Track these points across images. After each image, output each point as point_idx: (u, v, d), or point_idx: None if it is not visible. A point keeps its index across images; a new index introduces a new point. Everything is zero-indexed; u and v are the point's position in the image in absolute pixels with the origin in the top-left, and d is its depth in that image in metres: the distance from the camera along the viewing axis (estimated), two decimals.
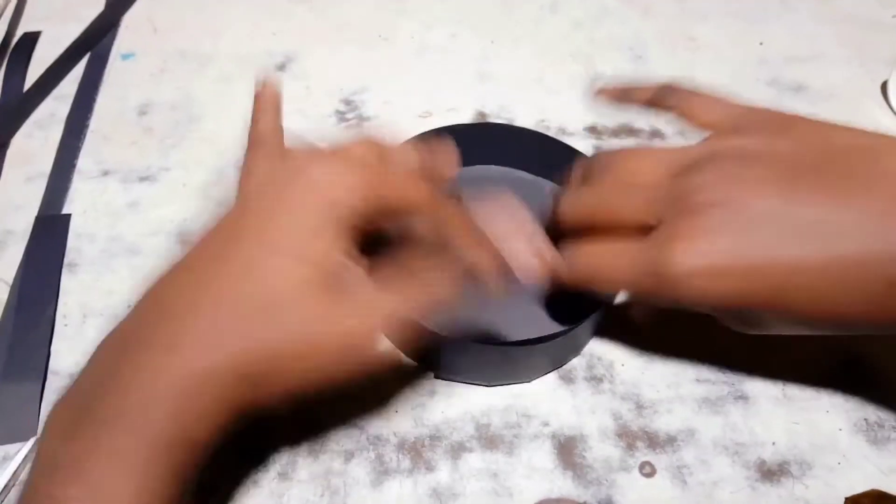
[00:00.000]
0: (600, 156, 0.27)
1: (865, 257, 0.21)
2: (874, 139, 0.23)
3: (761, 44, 0.43)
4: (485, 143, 0.34)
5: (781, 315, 0.23)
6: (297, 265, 0.21)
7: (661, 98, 0.28)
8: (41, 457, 0.20)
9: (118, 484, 0.18)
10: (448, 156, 0.26)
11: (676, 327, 0.31)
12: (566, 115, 0.39)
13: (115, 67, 0.42)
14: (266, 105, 0.28)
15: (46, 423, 0.20)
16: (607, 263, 0.25)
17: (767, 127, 0.24)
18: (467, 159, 0.35)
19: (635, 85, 0.29)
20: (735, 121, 0.25)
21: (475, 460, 0.27)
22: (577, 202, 0.26)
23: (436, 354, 0.28)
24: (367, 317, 0.22)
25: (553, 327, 0.29)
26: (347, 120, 0.39)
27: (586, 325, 0.27)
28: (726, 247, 0.22)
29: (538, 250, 0.27)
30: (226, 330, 0.20)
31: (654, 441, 0.27)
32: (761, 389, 0.29)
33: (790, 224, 0.22)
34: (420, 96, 0.40)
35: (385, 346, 0.30)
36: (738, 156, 0.23)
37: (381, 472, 0.26)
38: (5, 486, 0.26)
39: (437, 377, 0.29)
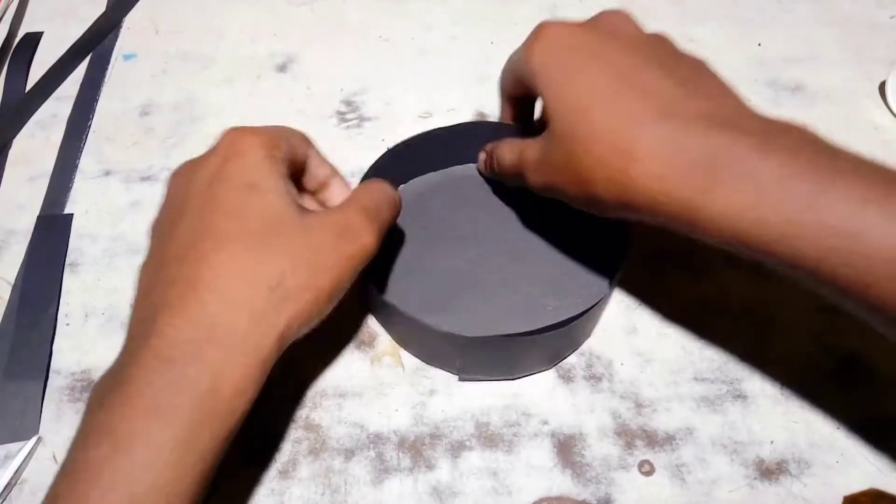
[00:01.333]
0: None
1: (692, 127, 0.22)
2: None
3: (759, 45, 0.43)
4: (484, 141, 0.34)
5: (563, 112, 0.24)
6: (255, 197, 0.22)
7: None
8: (83, 423, 0.20)
9: (147, 437, 0.19)
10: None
11: (676, 327, 0.31)
12: None
13: (116, 68, 0.42)
14: None
15: (92, 393, 0.21)
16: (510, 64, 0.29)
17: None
18: (467, 158, 0.35)
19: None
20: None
21: (475, 459, 0.27)
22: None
23: (458, 355, 0.28)
24: (339, 212, 0.24)
25: (550, 316, 0.29)
26: (348, 121, 0.39)
27: (601, 303, 0.28)
28: (570, 32, 0.26)
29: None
30: (237, 258, 0.21)
31: (653, 440, 0.27)
32: (760, 388, 0.29)
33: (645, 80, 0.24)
34: (420, 97, 0.40)
35: (385, 345, 0.30)
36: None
37: (382, 471, 0.27)
38: (7, 485, 0.26)
39: (461, 379, 0.29)
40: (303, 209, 0.23)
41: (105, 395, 0.20)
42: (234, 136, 0.24)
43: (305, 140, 0.27)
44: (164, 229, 0.24)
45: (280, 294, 0.21)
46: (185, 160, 0.26)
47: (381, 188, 0.27)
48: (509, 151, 0.29)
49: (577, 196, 0.25)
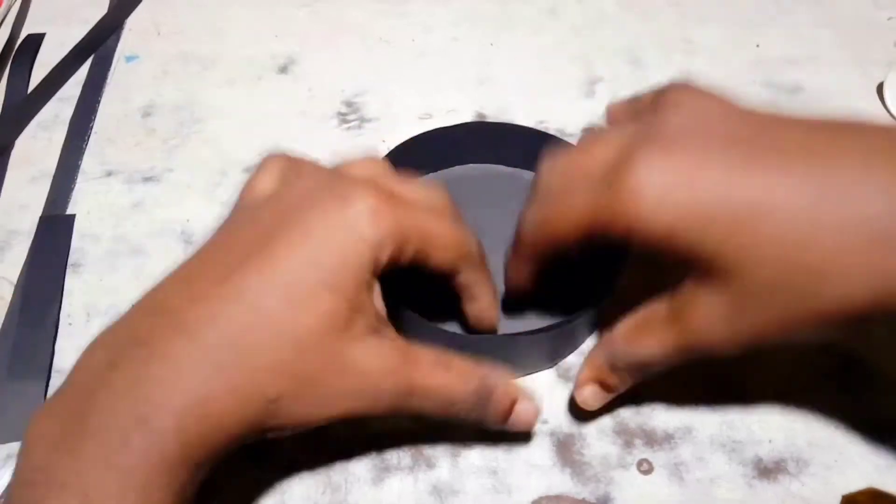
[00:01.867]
0: (542, 167, 0.24)
1: (845, 191, 0.18)
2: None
3: (758, 46, 0.43)
4: (484, 141, 0.35)
5: (739, 256, 0.19)
6: (327, 294, 0.19)
7: None
8: (24, 469, 0.18)
9: (119, 500, 0.17)
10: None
11: None
12: (565, 118, 0.39)
13: (118, 69, 0.42)
14: None
15: (28, 433, 0.18)
16: (561, 197, 0.22)
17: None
18: (467, 158, 0.35)
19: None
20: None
21: (475, 457, 0.27)
22: (553, 160, 0.24)
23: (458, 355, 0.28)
24: (386, 367, 0.21)
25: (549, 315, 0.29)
26: (349, 122, 0.39)
27: (603, 303, 0.28)
28: (694, 155, 0.19)
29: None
30: (247, 351, 0.19)
31: (652, 438, 0.27)
32: (759, 387, 0.29)
33: (771, 149, 0.19)
34: (420, 98, 0.40)
35: None
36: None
37: (382, 470, 0.27)
38: (8, 485, 0.26)
39: None
40: (364, 329, 0.20)
41: (70, 435, 0.18)
42: (370, 204, 0.20)
43: (468, 247, 0.23)
44: (232, 228, 0.21)
45: (272, 409, 0.19)
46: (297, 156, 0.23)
47: (454, 386, 0.22)
48: (635, 332, 0.23)
49: (814, 330, 0.20)
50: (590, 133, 0.24)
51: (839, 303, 0.19)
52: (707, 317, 0.21)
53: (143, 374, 0.18)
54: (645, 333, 0.23)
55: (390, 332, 0.22)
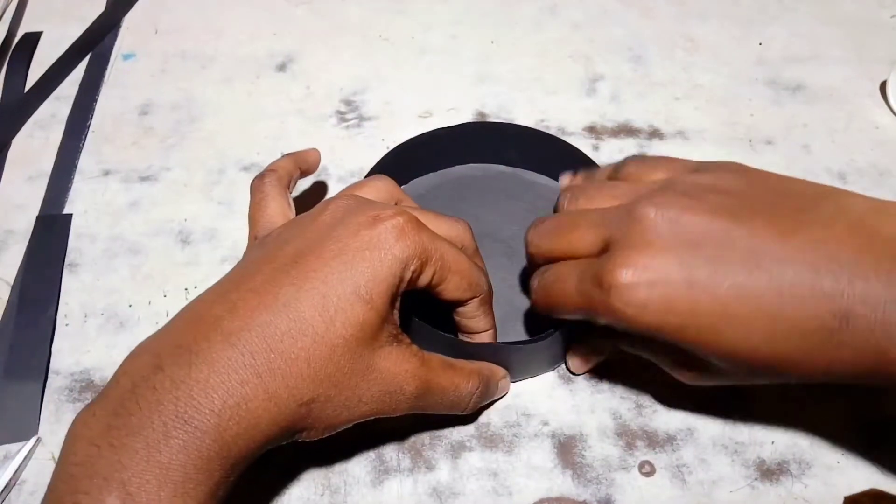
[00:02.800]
0: (563, 190, 0.28)
1: (802, 289, 0.21)
2: (824, 188, 0.24)
3: (760, 44, 0.43)
4: (485, 141, 0.34)
5: (715, 350, 0.22)
6: (360, 305, 0.21)
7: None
8: (66, 464, 0.19)
9: (157, 497, 0.18)
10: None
11: None
12: (565, 116, 0.39)
13: (116, 68, 0.42)
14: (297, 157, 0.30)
15: (71, 431, 0.19)
16: (559, 284, 0.25)
17: (722, 168, 0.25)
18: (467, 158, 0.35)
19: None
20: (690, 166, 0.26)
21: (475, 459, 0.27)
22: (537, 235, 0.26)
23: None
24: (406, 371, 0.23)
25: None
26: (348, 120, 0.39)
27: None
28: (669, 261, 0.22)
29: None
30: (283, 357, 0.20)
31: (654, 440, 0.27)
32: (760, 388, 0.29)
33: (736, 250, 0.22)
34: (420, 96, 0.40)
35: None
36: (692, 185, 0.24)
37: (382, 471, 0.26)
38: (6, 485, 0.26)
39: None
40: (388, 340, 0.22)
41: (112, 429, 0.19)
42: (399, 223, 0.22)
43: (478, 287, 0.25)
44: (269, 246, 0.23)
45: (304, 412, 0.21)
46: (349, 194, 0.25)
47: (465, 381, 0.25)
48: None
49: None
50: (570, 194, 0.27)
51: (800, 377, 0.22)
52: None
53: (185, 377, 0.19)
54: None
55: (406, 338, 0.24)
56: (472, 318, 0.26)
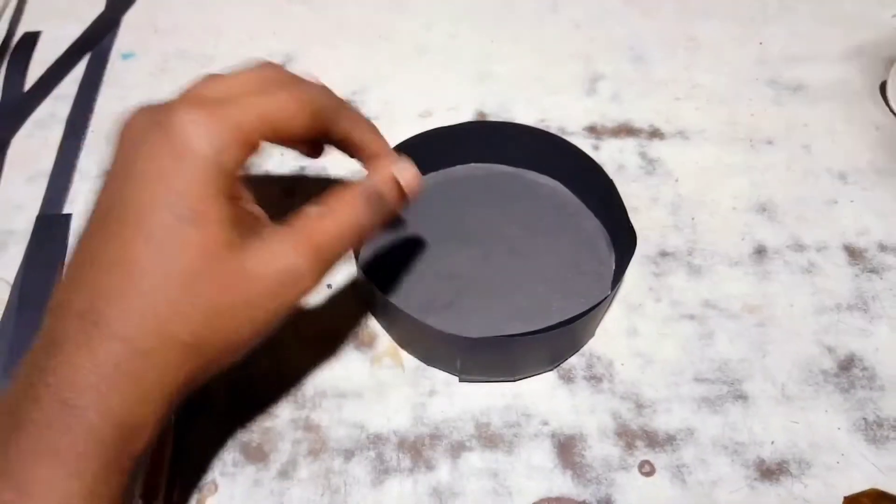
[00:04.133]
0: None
1: None
2: None
3: (761, 43, 0.43)
4: (486, 141, 0.34)
5: None
6: (188, 227, 0.19)
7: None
8: None
9: (52, 485, 0.17)
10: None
11: (676, 327, 0.31)
12: (566, 115, 0.39)
13: (115, 67, 0.42)
14: None
15: None
16: None
17: None
18: (467, 158, 0.35)
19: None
20: None
21: (475, 459, 0.27)
22: None
23: (458, 357, 0.28)
24: (287, 252, 0.21)
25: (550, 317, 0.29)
26: None
27: (603, 304, 0.28)
28: None
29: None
30: (146, 315, 0.19)
31: (654, 440, 0.27)
32: (760, 389, 0.29)
33: None
34: (420, 95, 0.40)
35: (385, 346, 0.30)
36: None
37: (382, 472, 0.27)
38: None
39: (462, 380, 0.29)
40: (245, 239, 0.20)
41: (3, 430, 0.19)
42: (191, 123, 0.20)
43: (317, 102, 0.22)
44: (98, 210, 0.21)
45: (195, 350, 0.20)
46: (142, 107, 0.22)
47: (349, 212, 0.22)
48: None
49: None
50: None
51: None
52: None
53: (68, 353, 0.19)
54: None
55: (264, 215, 0.22)
56: (350, 132, 0.23)
